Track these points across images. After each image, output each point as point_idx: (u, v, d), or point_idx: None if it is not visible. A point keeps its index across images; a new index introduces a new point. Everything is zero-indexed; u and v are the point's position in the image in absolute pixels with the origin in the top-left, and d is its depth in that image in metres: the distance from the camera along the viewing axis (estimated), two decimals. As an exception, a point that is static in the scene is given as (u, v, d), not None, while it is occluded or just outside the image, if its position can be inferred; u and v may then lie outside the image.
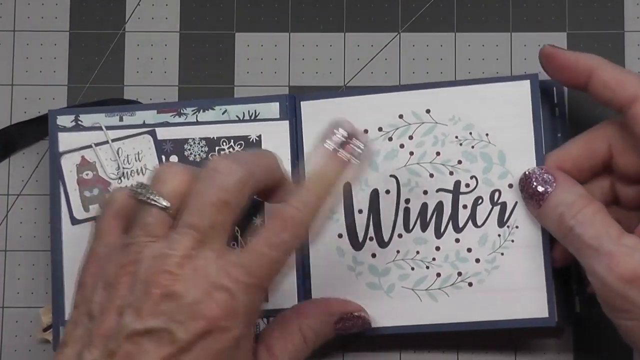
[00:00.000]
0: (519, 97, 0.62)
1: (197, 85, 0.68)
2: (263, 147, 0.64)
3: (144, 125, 0.65)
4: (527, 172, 0.60)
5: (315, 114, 0.64)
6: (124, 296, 0.53)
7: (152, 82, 0.69)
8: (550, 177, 0.59)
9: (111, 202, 0.57)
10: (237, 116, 0.65)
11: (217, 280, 0.53)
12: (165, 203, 0.54)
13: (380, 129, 0.64)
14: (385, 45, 0.68)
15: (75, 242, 0.64)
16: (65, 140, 0.65)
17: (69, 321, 0.55)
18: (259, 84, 0.68)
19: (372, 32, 0.68)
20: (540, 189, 0.59)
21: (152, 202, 0.55)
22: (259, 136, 0.64)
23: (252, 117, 0.65)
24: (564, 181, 0.59)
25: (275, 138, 0.64)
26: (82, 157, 0.65)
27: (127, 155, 0.64)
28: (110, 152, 0.65)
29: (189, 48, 0.69)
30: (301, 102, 0.64)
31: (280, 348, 0.59)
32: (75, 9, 0.69)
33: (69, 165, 0.65)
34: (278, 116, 0.65)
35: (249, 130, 0.64)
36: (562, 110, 0.65)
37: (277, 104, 0.65)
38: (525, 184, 0.60)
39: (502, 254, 0.62)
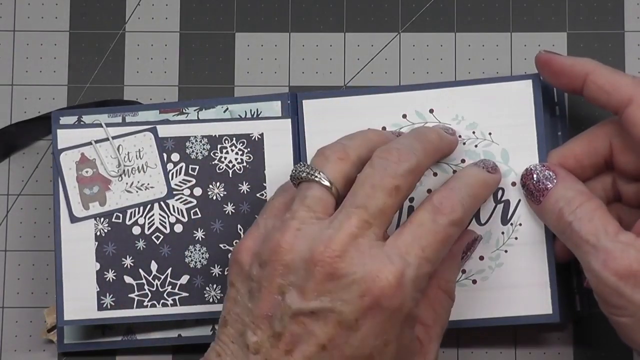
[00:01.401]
0: (521, 96, 0.63)
1: (197, 85, 0.68)
2: (265, 145, 0.64)
3: (146, 123, 0.65)
4: (528, 168, 0.61)
5: (317, 113, 0.64)
6: (283, 275, 0.53)
7: (152, 82, 0.69)
8: (551, 173, 0.60)
9: (287, 189, 0.58)
10: (239, 114, 0.65)
11: (383, 257, 0.53)
12: (327, 182, 0.55)
13: (383, 129, 0.63)
14: (385, 45, 0.68)
15: (74, 240, 0.64)
16: (65, 137, 0.65)
17: (227, 298, 0.56)
18: (259, 83, 0.68)
19: (372, 32, 0.68)
20: (541, 185, 0.60)
21: (315, 179, 0.55)
22: (261, 134, 0.64)
23: (255, 116, 0.65)
24: (565, 177, 0.60)
25: (277, 136, 0.64)
26: (82, 154, 0.64)
27: (128, 152, 0.64)
28: (110, 150, 0.64)
29: (189, 48, 0.69)
30: (303, 101, 0.64)
31: (431, 317, 0.58)
32: (75, 9, 0.69)
33: (68, 162, 0.64)
34: (280, 114, 0.65)
35: (251, 128, 0.64)
36: (562, 110, 0.65)
37: (279, 102, 0.65)
38: (527, 180, 0.61)
39: (506, 251, 0.62)
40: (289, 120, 0.64)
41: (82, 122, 0.65)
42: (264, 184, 0.64)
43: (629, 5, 0.68)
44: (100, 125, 0.65)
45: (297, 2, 0.69)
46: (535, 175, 0.60)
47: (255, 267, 0.54)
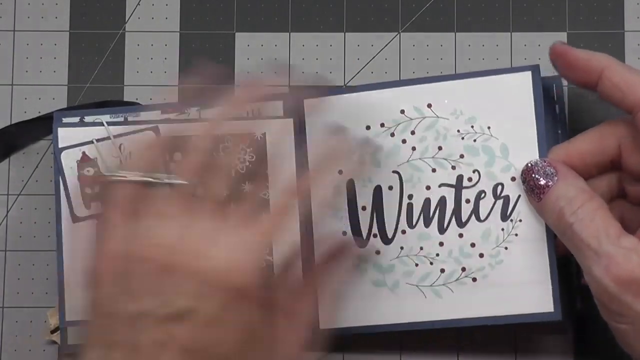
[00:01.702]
0: (520, 88, 0.62)
1: (197, 85, 0.68)
2: (267, 144, 0.64)
3: (147, 122, 0.65)
4: (529, 164, 0.60)
5: (318, 112, 0.64)
6: (139, 282, 0.51)
7: (152, 82, 0.69)
8: (552, 170, 0.58)
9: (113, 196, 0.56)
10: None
11: (239, 246, 0.52)
12: (175, 180, 0.54)
13: (382, 125, 0.63)
14: (385, 45, 0.68)
15: (76, 240, 0.64)
16: (65, 136, 0.64)
17: (88, 316, 0.54)
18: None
19: (372, 32, 0.69)
20: (541, 181, 0.59)
21: (164, 178, 0.54)
22: (264, 134, 0.64)
23: (256, 115, 0.65)
24: (566, 175, 0.58)
25: (279, 135, 0.64)
26: (83, 153, 0.64)
27: (130, 152, 0.64)
28: (112, 148, 0.64)
29: (189, 48, 0.69)
30: (304, 100, 0.64)
31: (296, 306, 0.57)
32: (75, 9, 0.69)
33: (69, 161, 0.64)
34: (282, 114, 0.65)
35: (253, 127, 0.64)
36: (562, 108, 0.65)
37: (281, 102, 0.65)
38: (527, 176, 0.60)
39: (506, 248, 0.62)
40: (291, 119, 0.64)
41: (83, 121, 0.65)
42: (266, 184, 0.64)
43: (629, 5, 0.68)
44: (101, 124, 0.64)
45: (297, 2, 0.69)
46: (535, 172, 0.59)
47: (111, 282, 0.52)
